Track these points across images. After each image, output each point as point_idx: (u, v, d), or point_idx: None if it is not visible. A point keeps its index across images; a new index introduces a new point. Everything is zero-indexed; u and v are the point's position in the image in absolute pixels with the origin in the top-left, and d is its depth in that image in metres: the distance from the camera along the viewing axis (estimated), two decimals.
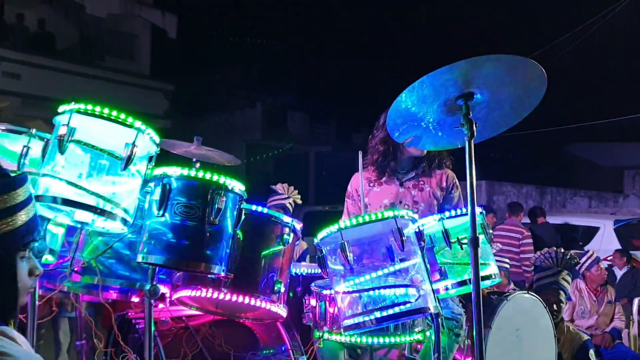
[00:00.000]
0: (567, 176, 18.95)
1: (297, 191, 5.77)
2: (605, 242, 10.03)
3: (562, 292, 4.88)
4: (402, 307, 2.54)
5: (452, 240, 2.77)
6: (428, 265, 2.70)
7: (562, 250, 5.16)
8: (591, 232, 10.50)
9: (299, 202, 5.84)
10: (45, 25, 16.80)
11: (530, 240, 8.57)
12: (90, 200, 2.11)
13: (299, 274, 3.55)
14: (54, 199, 2.09)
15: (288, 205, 5.57)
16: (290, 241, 2.81)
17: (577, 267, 6.54)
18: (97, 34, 18.07)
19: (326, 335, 3.01)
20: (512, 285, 5.88)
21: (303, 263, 4.45)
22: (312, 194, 20.91)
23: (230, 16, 22.32)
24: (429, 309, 2.57)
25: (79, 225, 2.27)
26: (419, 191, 3.68)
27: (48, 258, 2.33)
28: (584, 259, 6.57)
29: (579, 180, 18.61)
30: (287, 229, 2.79)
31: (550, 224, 9.85)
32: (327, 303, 3.03)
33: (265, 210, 2.75)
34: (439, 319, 2.69)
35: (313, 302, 3.11)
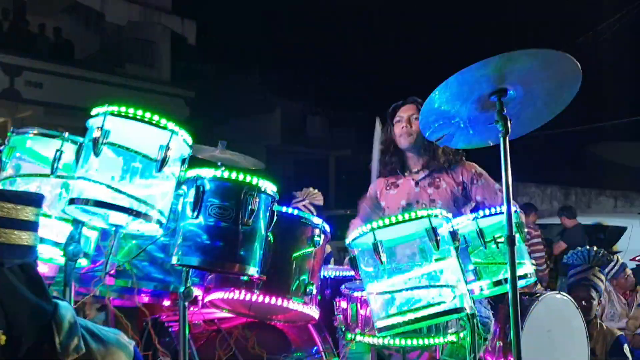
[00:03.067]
0: (592, 176, 18.68)
1: (316, 190, 5.73)
2: (633, 242, 9.90)
3: (592, 289, 4.81)
4: (437, 307, 2.51)
5: (487, 240, 2.73)
6: (462, 265, 2.66)
7: (595, 248, 5.10)
8: (618, 232, 10.36)
9: (320, 203, 5.81)
10: (65, 34, 16.99)
11: (539, 240, 8.65)
12: (125, 203, 2.10)
13: (328, 276, 3.53)
14: (89, 202, 2.08)
15: (302, 207, 5.54)
16: (320, 242, 2.80)
17: (605, 271, 6.48)
18: (117, 42, 18.22)
19: (358, 337, 2.99)
20: (539, 286, 5.81)
21: (330, 266, 4.43)
22: (332, 198, 20.87)
23: (249, 22, 22.37)
24: (465, 309, 2.53)
25: (113, 229, 2.26)
26: (435, 189, 3.66)
27: (82, 262, 2.33)
28: (610, 266, 6.50)
29: (604, 180, 18.34)
30: (317, 231, 2.78)
31: (581, 224, 9.81)
32: (359, 305, 3.00)
33: (296, 212, 2.73)
34: (475, 320, 2.66)
35: (344, 304, 3.08)
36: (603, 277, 4.99)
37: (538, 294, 4.17)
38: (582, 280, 4.85)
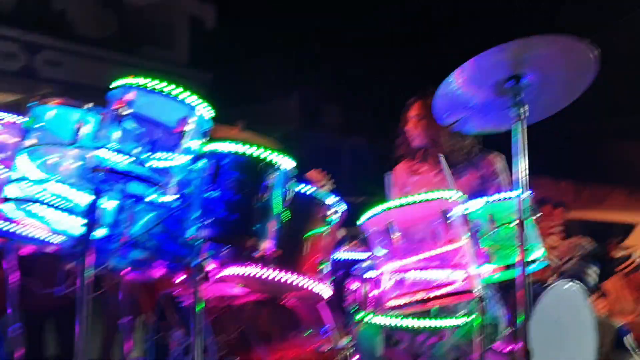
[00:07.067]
0: (605, 173, 18.53)
1: (329, 176, 5.78)
2: None
3: (582, 283, 4.79)
4: (447, 288, 2.54)
5: (499, 224, 2.75)
6: (473, 248, 2.68)
7: (586, 240, 5.08)
8: (630, 228, 10.31)
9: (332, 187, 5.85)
10: (85, 14, 17.04)
11: (560, 229, 8.62)
12: (145, 174, 2.14)
13: (339, 258, 3.56)
14: (110, 171, 2.13)
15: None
16: (334, 222, 2.83)
17: (616, 269, 6.46)
18: (136, 23, 18.24)
19: (368, 318, 3.03)
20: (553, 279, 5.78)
21: (343, 248, 4.46)
22: (346, 185, 20.85)
23: (268, 7, 22.29)
24: (475, 292, 2.56)
25: (132, 200, 2.30)
26: (457, 179, 3.67)
27: (99, 232, 2.36)
28: (626, 263, 6.47)
29: (617, 176, 18.18)
30: (331, 210, 2.81)
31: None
32: (369, 286, 3.04)
33: (311, 189, 2.76)
34: (484, 302, 2.68)
35: (355, 285, 3.12)
36: (594, 270, 4.96)
37: (548, 283, 4.19)
38: (564, 272, 4.84)
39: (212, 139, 2.46)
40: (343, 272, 3.41)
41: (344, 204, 2.87)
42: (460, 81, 2.52)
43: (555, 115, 2.77)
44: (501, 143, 3.63)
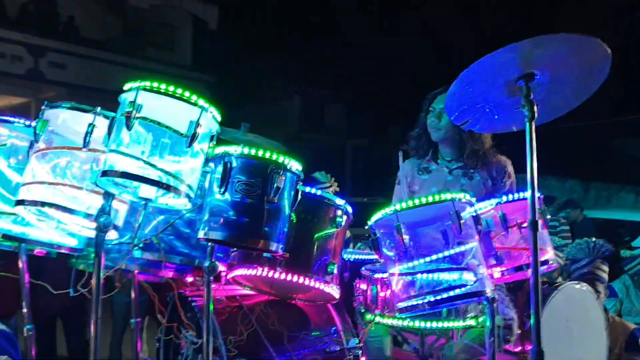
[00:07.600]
0: (613, 171, 18.45)
1: (333, 178, 5.82)
2: None
3: (597, 282, 4.78)
4: (458, 290, 2.53)
5: (510, 225, 2.74)
6: (484, 250, 2.67)
7: (594, 239, 5.07)
8: (638, 227, 10.29)
9: (337, 189, 5.89)
10: (88, 17, 17.11)
11: (567, 227, 8.69)
12: (156, 176, 2.14)
13: (347, 259, 3.56)
14: (121, 174, 2.13)
15: (332, 192, 5.58)
16: (343, 223, 2.82)
17: (625, 268, 6.45)
18: (140, 25, 18.32)
19: (378, 319, 3.02)
20: (560, 280, 5.79)
21: (349, 249, 4.46)
22: (349, 186, 20.88)
23: (270, 8, 22.33)
24: (486, 293, 2.55)
25: (143, 202, 2.31)
26: (468, 179, 3.65)
27: (111, 234, 2.37)
28: (634, 263, 6.46)
29: (626, 175, 18.10)
30: (339, 212, 2.81)
31: (588, 218, 9.82)
32: (379, 287, 3.04)
33: (319, 192, 2.76)
34: (495, 304, 2.67)
35: (364, 285, 3.12)
36: (607, 268, 4.95)
37: (557, 283, 4.17)
38: (586, 274, 4.82)
39: (222, 141, 2.47)
40: (352, 272, 3.41)
41: (350, 205, 2.87)
42: (470, 80, 2.51)
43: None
44: (505, 143, 3.64)
